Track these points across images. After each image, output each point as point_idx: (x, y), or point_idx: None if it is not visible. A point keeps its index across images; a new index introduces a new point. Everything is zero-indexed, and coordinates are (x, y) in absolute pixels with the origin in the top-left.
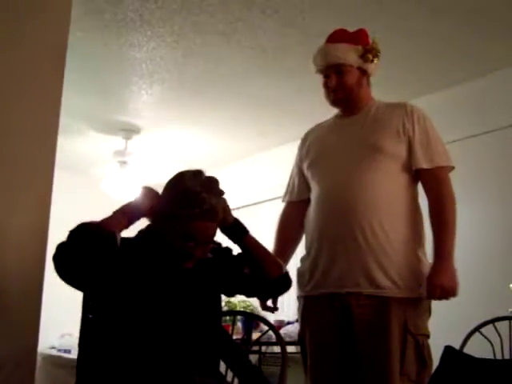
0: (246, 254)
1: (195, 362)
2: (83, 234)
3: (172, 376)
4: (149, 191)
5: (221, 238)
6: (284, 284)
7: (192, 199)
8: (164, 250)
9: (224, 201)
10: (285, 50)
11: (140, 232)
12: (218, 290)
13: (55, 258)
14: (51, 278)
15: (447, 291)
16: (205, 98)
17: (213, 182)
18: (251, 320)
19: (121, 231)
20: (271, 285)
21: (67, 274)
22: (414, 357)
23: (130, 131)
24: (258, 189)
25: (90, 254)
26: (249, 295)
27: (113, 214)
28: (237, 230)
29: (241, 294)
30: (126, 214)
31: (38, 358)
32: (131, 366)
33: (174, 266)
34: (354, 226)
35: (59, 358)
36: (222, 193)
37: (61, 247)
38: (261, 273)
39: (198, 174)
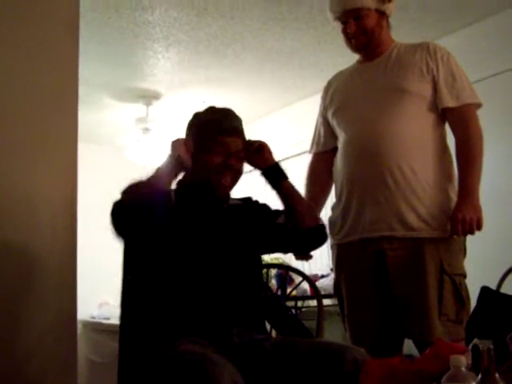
0: (282, 200)
1: (235, 312)
2: (137, 195)
3: (210, 327)
4: (176, 141)
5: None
6: (319, 236)
7: (211, 125)
8: (202, 181)
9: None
10: (299, 0)
11: (178, 183)
12: (257, 242)
13: (113, 215)
14: (84, 249)
15: (470, 224)
16: (222, 56)
17: (227, 110)
18: (285, 274)
19: (170, 184)
20: (305, 235)
21: (124, 229)
22: (452, 297)
23: (149, 97)
24: (282, 145)
25: (146, 212)
26: (283, 248)
27: (155, 172)
28: (276, 173)
29: (275, 249)
30: (168, 170)
31: (79, 325)
32: (173, 317)
33: (214, 197)
34: (384, 168)
35: (99, 324)
36: (238, 117)
37: (117, 206)
38: (296, 221)
39: (211, 108)
